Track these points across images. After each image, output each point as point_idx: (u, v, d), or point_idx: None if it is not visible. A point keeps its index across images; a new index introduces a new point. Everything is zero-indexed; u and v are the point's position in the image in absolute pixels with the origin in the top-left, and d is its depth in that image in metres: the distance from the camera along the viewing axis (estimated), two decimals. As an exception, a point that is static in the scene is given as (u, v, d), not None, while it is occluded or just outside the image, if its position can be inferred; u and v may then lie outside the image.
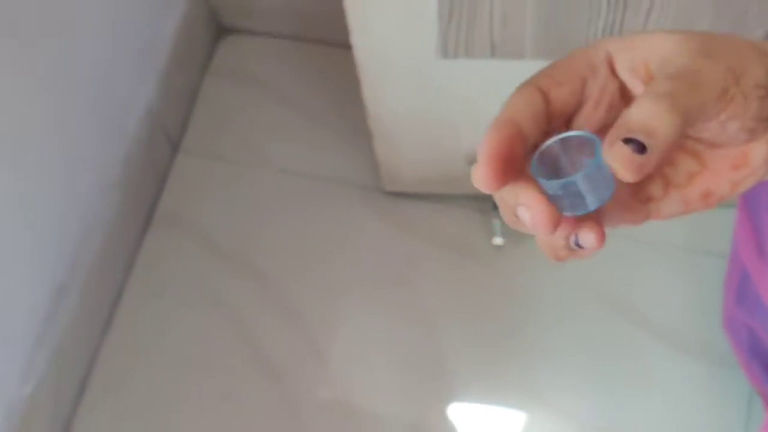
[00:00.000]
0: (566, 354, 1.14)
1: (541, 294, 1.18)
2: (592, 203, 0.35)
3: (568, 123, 0.40)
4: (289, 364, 1.15)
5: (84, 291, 1.13)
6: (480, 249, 1.20)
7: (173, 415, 1.14)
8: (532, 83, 0.39)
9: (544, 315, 1.16)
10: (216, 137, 1.33)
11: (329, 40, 1.35)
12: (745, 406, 1.08)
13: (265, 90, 1.36)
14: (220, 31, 1.39)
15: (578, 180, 0.35)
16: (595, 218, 0.38)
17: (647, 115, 0.35)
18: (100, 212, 1.16)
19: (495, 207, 1.14)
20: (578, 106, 0.39)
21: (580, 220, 0.37)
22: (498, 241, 1.17)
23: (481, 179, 0.36)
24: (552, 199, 0.35)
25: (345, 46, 0.99)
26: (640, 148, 0.34)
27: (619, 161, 0.34)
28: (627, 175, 0.34)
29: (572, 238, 0.37)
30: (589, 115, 0.39)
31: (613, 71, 0.39)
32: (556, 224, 0.36)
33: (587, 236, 0.37)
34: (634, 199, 0.39)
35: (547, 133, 0.38)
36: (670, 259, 1.17)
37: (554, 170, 0.37)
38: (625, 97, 0.40)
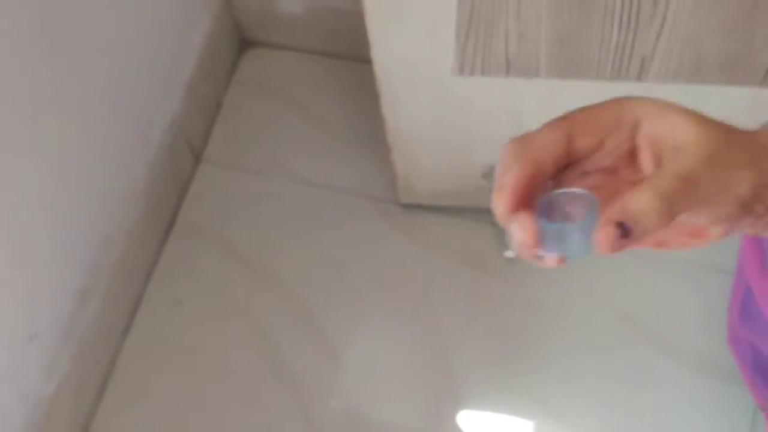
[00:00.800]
0: (575, 367, 1.14)
1: (551, 307, 1.18)
2: (569, 251, 0.42)
3: (574, 162, 0.44)
4: (308, 374, 1.16)
5: (107, 294, 1.15)
6: (492, 261, 1.21)
7: (191, 421, 1.15)
8: (564, 127, 0.43)
9: (554, 328, 1.17)
10: (238, 148, 1.34)
11: (350, 55, 1.36)
12: (749, 422, 1.09)
13: (287, 102, 1.37)
14: (244, 44, 1.41)
15: (571, 230, 0.41)
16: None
17: (644, 210, 0.40)
18: (123, 219, 1.18)
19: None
20: (592, 153, 0.44)
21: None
22: (510, 254, 1.18)
23: (499, 209, 0.42)
24: (540, 233, 0.42)
25: (366, 61, 1.00)
26: (627, 229, 0.40)
27: (604, 239, 0.40)
28: (604, 251, 0.40)
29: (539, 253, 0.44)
30: (596, 161, 0.44)
31: (634, 134, 0.44)
32: (535, 249, 0.43)
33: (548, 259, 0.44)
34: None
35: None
36: (679, 275, 1.17)
37: (549, 211, 0.42)
38: (632, 156, 0.44)
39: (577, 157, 0.44)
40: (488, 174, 1.15)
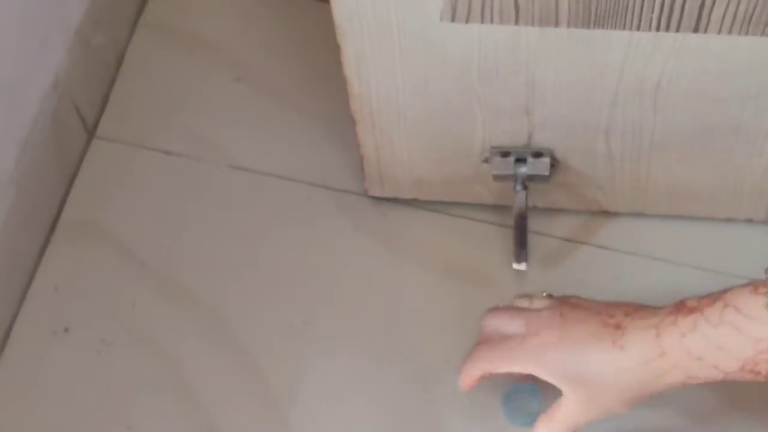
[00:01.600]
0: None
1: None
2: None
3: None
4: (235, 425, 1.16)
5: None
6: (493, 274, 1.22)
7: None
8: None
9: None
10: (145, 120, 1.33)
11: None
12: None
13: (215, 57, 1.37)
14: (154, -24, 1.41)
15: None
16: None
17: None
18: (-12, 217, 1.17)
19: (521, 220, 1.16)
20: None
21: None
22: (521, 266, 1.18)
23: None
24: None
25: None
26: None
27: None
28: None
29: None
30: None
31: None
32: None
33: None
34: None
35: None
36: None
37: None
38: None
39: None
40: (492, 155, 1.15)
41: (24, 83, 1.21)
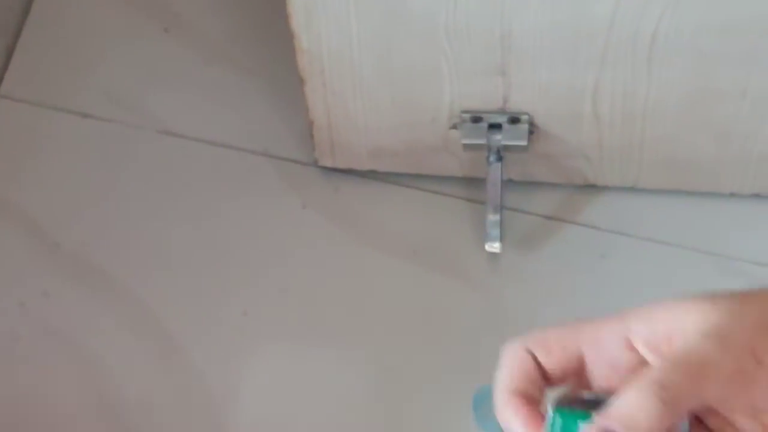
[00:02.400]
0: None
1: (545, 323, 1.20)
2: None
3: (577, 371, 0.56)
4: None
5: None
6: (461, 256, 1.23)
7: None
8: (521, 343, 0.57)
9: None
10: (58, 76, 1.33)
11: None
12: None
13: (137, 5, 1.36)
14: None
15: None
16: None
17: (633, 410, 0.49)
18: None
19: (494, 195, 1.16)
20: (576, 371, 0.56)
21: None
22: (494, 247, 1.18)
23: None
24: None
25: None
26: None
27: None
28: None
29: None
30: (604, 377, 0.55)
31: (630, 346, 0.54)
32: None
33: None
34: None
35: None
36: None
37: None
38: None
39: (555, 377, 0.56)
40: (461, 121, 1.15)
41: None
